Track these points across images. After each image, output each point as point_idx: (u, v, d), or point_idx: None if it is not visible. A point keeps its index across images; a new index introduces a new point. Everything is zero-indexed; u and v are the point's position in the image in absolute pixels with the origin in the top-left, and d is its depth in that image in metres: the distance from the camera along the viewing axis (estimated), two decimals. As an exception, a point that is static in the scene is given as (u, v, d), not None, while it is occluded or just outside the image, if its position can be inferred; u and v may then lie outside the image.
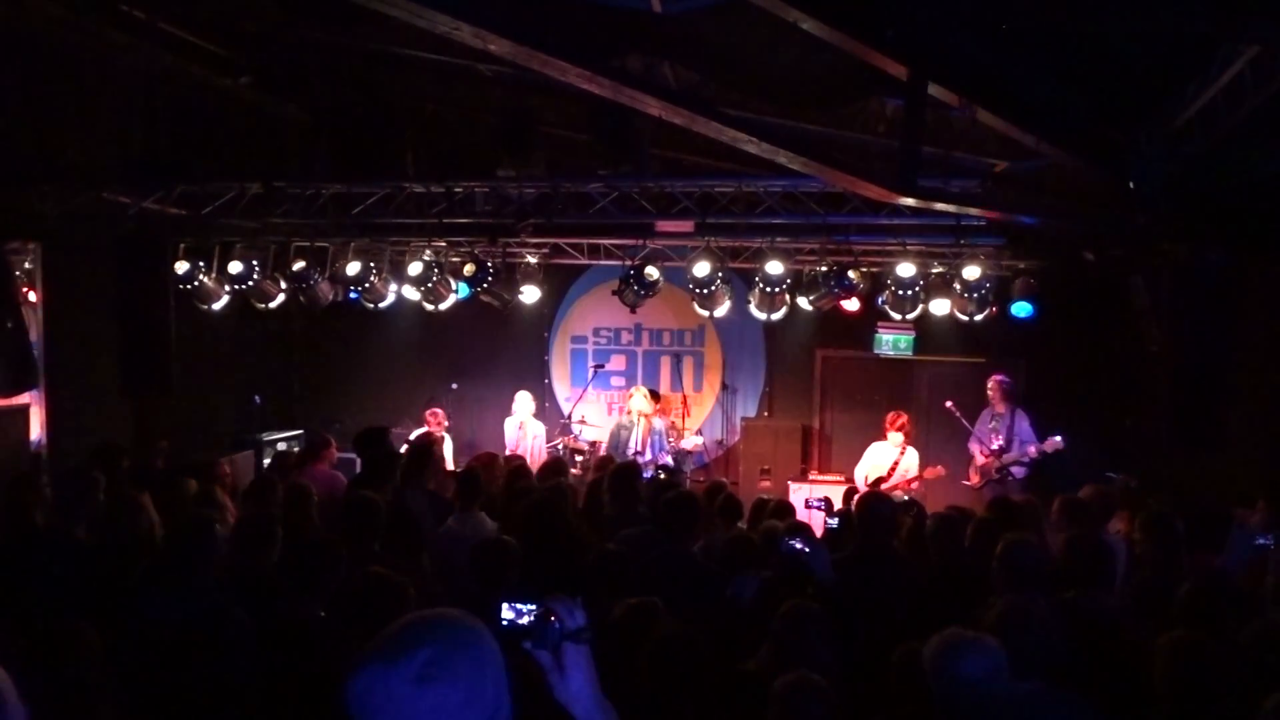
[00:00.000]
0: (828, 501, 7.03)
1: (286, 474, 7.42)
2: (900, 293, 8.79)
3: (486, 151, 8.87)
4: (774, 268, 8.72)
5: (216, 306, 9.62)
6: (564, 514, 5.70)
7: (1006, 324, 9.13)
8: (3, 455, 8.10)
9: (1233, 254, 6.63)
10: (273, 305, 9.93)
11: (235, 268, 9.33)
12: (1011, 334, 9.85)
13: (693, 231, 8.82)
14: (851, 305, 9.51)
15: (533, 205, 8.54)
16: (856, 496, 6.92)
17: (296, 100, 10.57)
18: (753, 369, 12.24)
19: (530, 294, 10.38)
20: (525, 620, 1.90)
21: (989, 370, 10.03)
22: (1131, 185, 6.05)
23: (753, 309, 9.33)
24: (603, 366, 12.05)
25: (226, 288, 9.48)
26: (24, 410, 8.46)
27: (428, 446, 7.34)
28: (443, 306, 10.04)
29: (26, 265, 8.59)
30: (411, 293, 9.90)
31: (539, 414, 11.35)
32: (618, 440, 10.12)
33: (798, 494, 10.16)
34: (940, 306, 9.10)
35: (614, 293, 9.39)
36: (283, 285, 9.67)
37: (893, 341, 10.63)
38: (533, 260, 10.48)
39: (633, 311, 9.79)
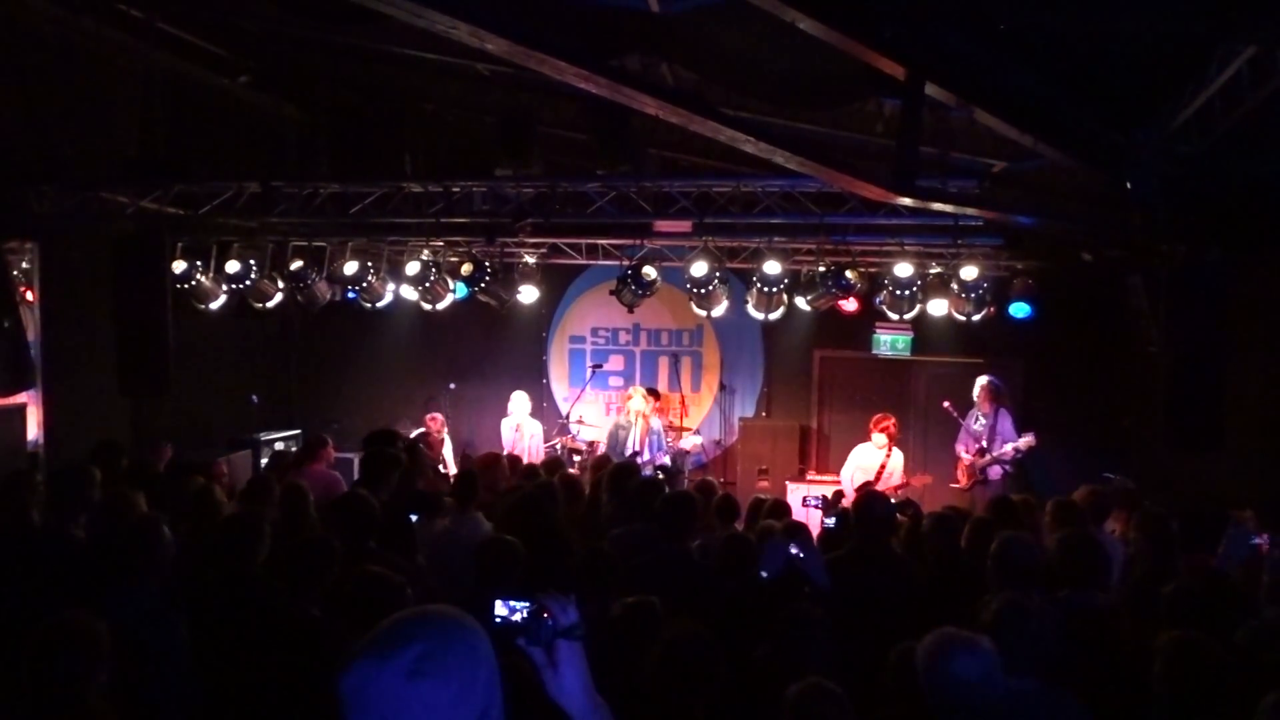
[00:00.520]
0: (825, 500, 7.04)
1: (284, 474, 7.42)
2: (898, 293, 8.79)
3: (484, 151, 8.88)
4: (772, 268, 8.72)
5: (214, 306, 9.61)
6: (548, 512, 5.69)
7: (1004, 324, 9.14)
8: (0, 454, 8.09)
9: (1230, 255, 6.64)
10: (270, 305, 9.93)
11: (233, 267, 9.32)
12: (1009, 334, 9.86)
13: (690, 231, 8.82)
14: (849, 305, 9.52)
15: (530, 205, 8.54)
16: (854, 496, 6.91)
17: (294, 100, 10.58)
18: (751, 369, 12.25)
19: (528, 294, 10.38)
20: (518, 617, 1.90)
21: (987, 370, 10.04)
22: (1129, 186, 6.06)
23: (750, 309, 9.33)
24: (601, 366, 12.06)
25: (224, 287, 9.48)
26: (21, 409, 8.45)
27: (413, 446, 7.36)
28: (440, 306, 10.04)
29: (24, 264, 8.58)
30: (409, 292, 9.91)
31: (537, 414, 11.35)
32: (615, 440, 10.12)
33: (795, 494, 10.16)
34: (938, 307, 9.11)
35: (612, 292, 9.39)
36: (280, 285, 9.67)
37: (891, 342, 10.64)
38: (531, 260, 10.48)
39: (631, 311, 9.79)
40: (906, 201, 6.08)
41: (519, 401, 10.95)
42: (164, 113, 8.64)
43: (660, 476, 7.87)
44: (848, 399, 11.91)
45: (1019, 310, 8.96)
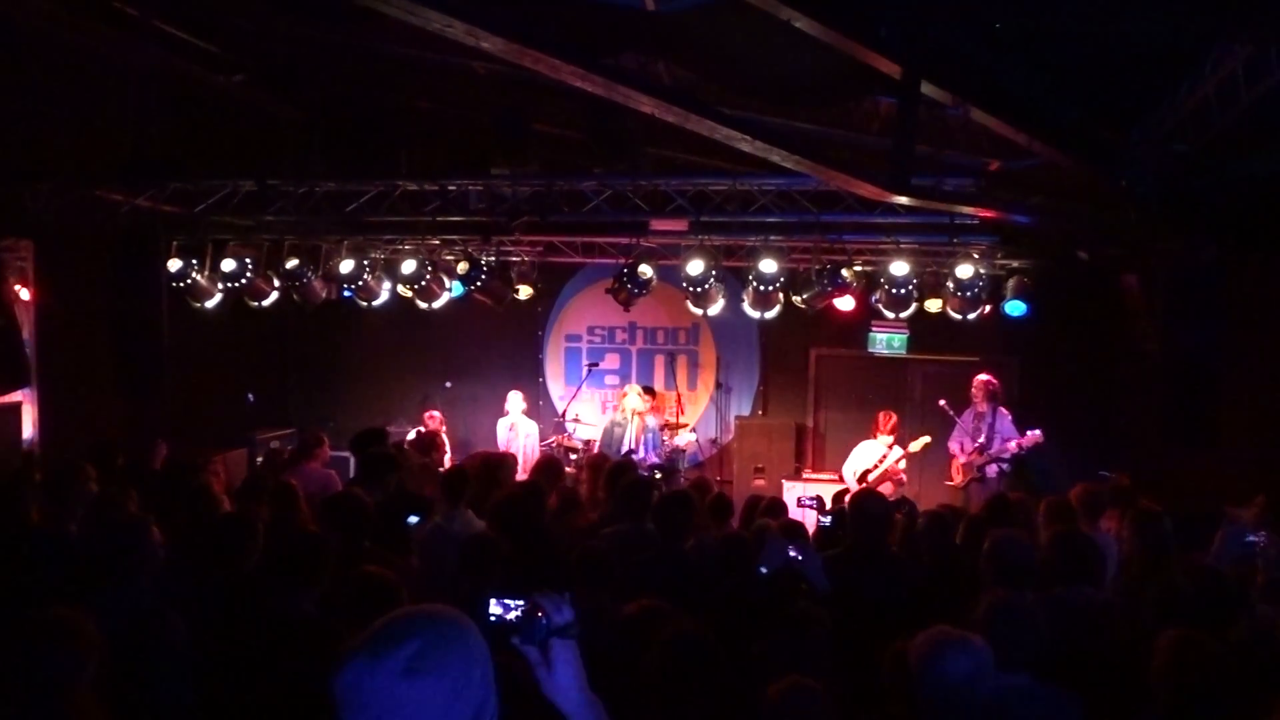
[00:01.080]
0: (820, 500, 7.04)
1: (279, 473, 7.42)
2: (894, 291, 8.79)
3: (480, 149, 8.86)
4: (768, 266, 8.72)
5: (209, 304, 9.59)
6: (534, 511, 5.69)
7: (1000, 323, 9.15)
8: (-5, 453, 8.09)
9: (1225, 253, 6.65)
10: (266, 303, 9.91)
11: (228, 265, 9.31)
12: (1005, 333, 9.87)
13: (687, 230, 8.82)
14: (845, 304, 9.53)
15: (526, 203, 8.53)
16: (850, 495, 6.92)
17: (290, 98, 10.55)
18: (747, 367, 12.25)
19: (524, 292, 10.38)
20: (513, 616, 1.90)
21: (983, 369, 10.05)
22: (1125, 184, 6.07)
23: (746, 307, 9.33)
24: (597, 365, 12.05)
25: (219, 285, 9.46)
26: (16, 408, 8.45)
27: (400, 447, 7.39)
28: (436, 305, 10.04)
29: (19, 263, 8.57)
30: (405, 291, 9.90)
31: (533, 413, 11.35)
32: (611, 438, 10.13)
33: (792, 492, 10.18)
34: (934, 305, 9.11)
35: (608, 291, 9.39)
36: (276, 283, 9.66)
37: (887, 340, 10.65)
38: (527, 258, 10.48)
39: (627, 310, 9.79)
40: (902, 200, 6.09)
41: (514, 401, 10.95)
42: (159, 111, 8.62)
43: (657, 475, 7.89)
44: (844, 397, 11.93)
45: (1015, 309, 8.97)
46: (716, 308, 9.40)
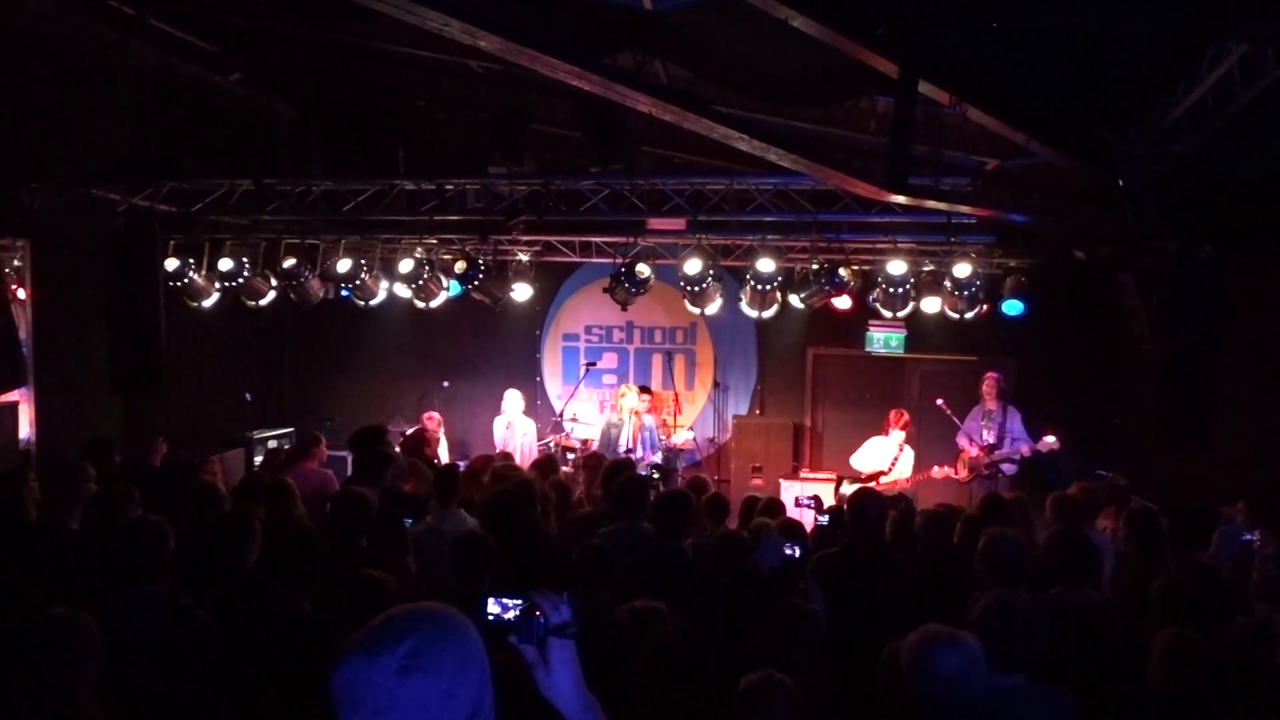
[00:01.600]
0: (818, 500, 7.06)
1: (277, 472, 7.41)
2: (891, 290, 8.80)
3: (478, 148, 8.86)
4: (765, 265, 8.72)
5: (207, 304, 9.59)
6: (525, 510, 5.69)
7: (997, 322, 9.16)
8: (-8, 453, 8.08)
9: (1222, 252, 6.66)
10: (263, 303, 9.92)
11: (225, 265, 9.31)
12: (1002, 332, 9.87)
13: (684, 229, 8.82)
14: (843, 303, 9.54)
15: (524, 202, 8.53)
16: (849, 494, 6.92)
17: (287, 97, 10.55)
18: (744, 367, 12.25)
19: (522, 291, 10.38)
20: (510, 615, 1.90)
21: (980, 368, 10.06)
22: (1121, 184, 6.08)
23: (744, 307, 9.33)
24: (594, 364, 12.04)
25: (217, 285, 9.46)
26: (13, 408, 8.43)
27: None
28: (434, 304, 10.04)
29: (15, 262, 8.56)
30: (403, 290, 9.90)
31: (531, 412, 11.34)
32: (608, 438, 10.13)
33: (789, 492, 10.17)
34: (931, 304, 9.12)
35: (605, 290, 9.38)
36: (273, 282, 9.66)
37: (884, 339, 10.65)
38: (524, 258, 10.48)
39: (624, 309, 9.78)
40: (899, 199, 6.09)
41: (512, 400, 10.95)
42: (156, 110, 8.61)
43: (655, 475, 7.88)
44: (841, 397, 11.93)
45: (1012, 308, 8.99)
46: (714, 307, 9.40)
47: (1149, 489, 7.81)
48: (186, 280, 9.28)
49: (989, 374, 9.80)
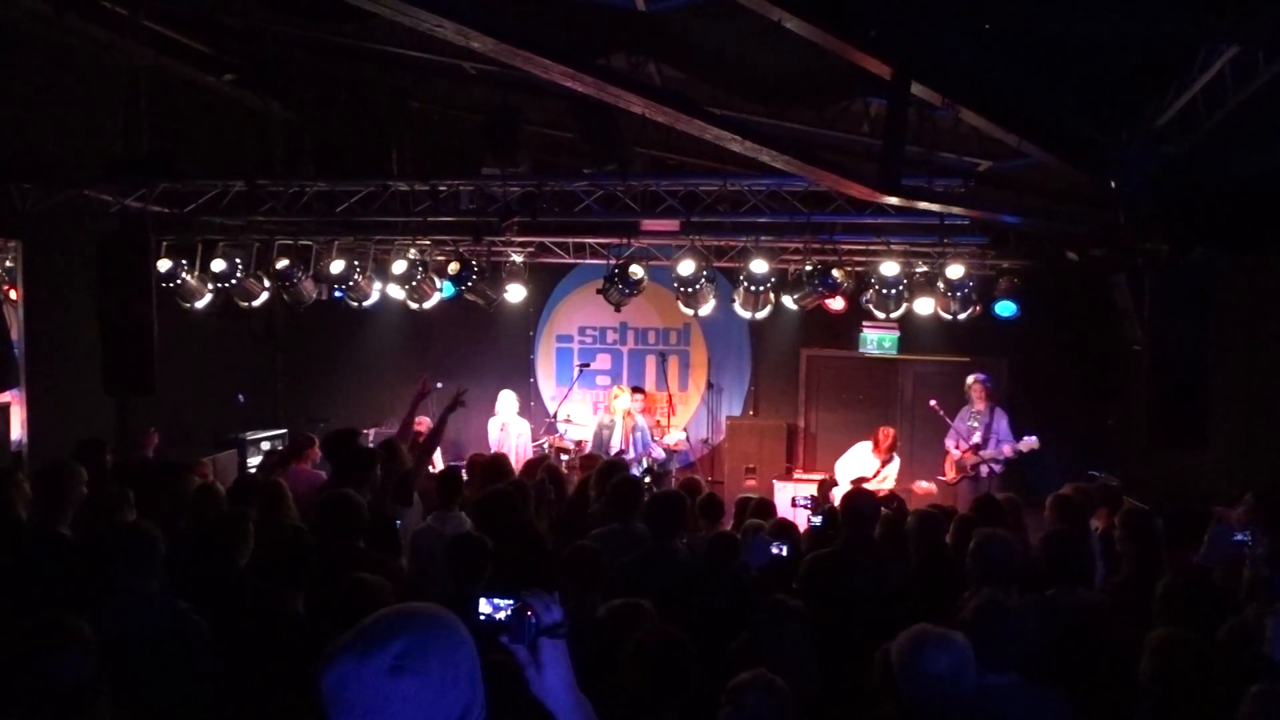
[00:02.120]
0: (814, 500, 7.07)
1: (270, 474, 7.38)
2: (884, 292, 8.82)
3: (471, 150, 8.85)
4: (759, 266, 8.73)
5: (199, 305, 9.57)
6: (519, 510, 5.68)
7: (990, 323, 9.18)
8: (-16, 454, 8.05)
9: (1213, 254, 6.68)
10: (256, 304, 9.89)
11: (218, 266, 9.29)
12: (995, 333, 9.90)
13: (678, 230, 8.83)
14: (836, 304, 9.55)
15: (517, 204, 8.53)
16: (842, 494, 6.93)
17: (280, 98, 10.54)
18: (738, 368, 12.27)
19: (515, 293, 10.38)
20: (502, 615, 1.90)
21: (973, 369, 10.08)
22: (1113, 185, 6.09)
23: (737, 308, 9.34)
24: (588, 365, 12.05)
25: (209, 286, 9.44)
26: (4, 409, 8.40)
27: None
28: (427, 305, 10.02)
29: (8, 263, 8.54)
30: (396, 291, 9.88)
31: (524, 413, 11.33)
32: (601, 439, 10.13)
33: (783, 493, 10.20)
34: (924, 305, 9.14)
35: (599, 291, 9.39)
36: (266, 284, 9.64)
37: (877, 340, 10.67)
38: (518, 259, 10.47)
39: (618, 310, 9.79)
40: (893, 200, 6.11)
41: (506, 401, 10.94)
42: (149, 111, 8.59)
43: (647, 480, 7.90)
44: (835, 398, 11.95)
45: (1004, 309, 9.00)
46: (707, 308, 9.41)
47: (1140, 489, 7.83)
48: (179, 281, 9.25)
49: (974, 376, 9.83)
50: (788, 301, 9.15)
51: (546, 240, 10.14)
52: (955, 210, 7.15)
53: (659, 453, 9.97)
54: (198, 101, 9.85)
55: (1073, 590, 4.50)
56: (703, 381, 12.23)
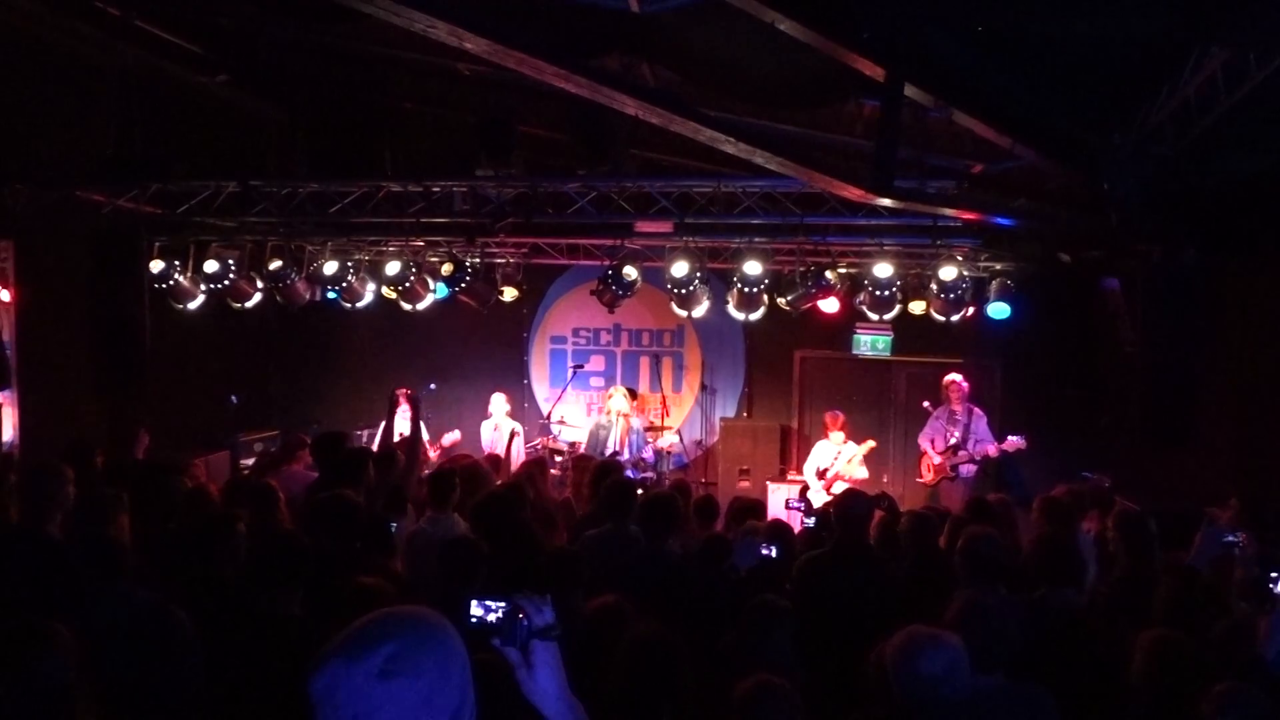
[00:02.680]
0: (808, 502, 7.08)
1: (263, 475, 7.36)
2: (878, 293, 8.81)
3: (464, 151, 8.84)
4: (752, 268, 8.73)
5: (192, 306, 9.53)
6: (515, 512, 5.68)
7: (983, 325, 9.20)
8: (-25, 455, 8.02)
9: (1205, 255, 6.70)
10: (249, 305, 9.86)
11: (211, 267, 9.26)
12: (988, 334, 9.92)
13: (671, 232, 8.82)
14: (829, 306, 9.55)
15: (511, 205, 8.52)
16: (835, 496, 6.94)
17: (273, 99, 10.52)
18: (732, 369, 12.27)
19: (509, 294, 10.36)
20: (493, 617, 1.89)
21: (966, 371, 10.10)
22: (1106, 187, 6.11)
23: (731, 309, 9.33)
24: (582, 367, 12.03)
25: (202, 287, 9.41)
26: (-4, 409, 8.38)
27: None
28: (421, 306, 10.01)
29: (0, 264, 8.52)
30: (389, 293, 9.86)
31: (518, 415, 11.32)
32: (596, 440, 10.12)
33: (776, 494, 10.21)
34: (917, 307, 9.15)
35: (593, 293, 9.38)
36: (259, 284, 9.61)
37: (871, 342, 10.67)
38: (511, 260, 10.46)
39: (611, 312, 9.79)
40: (886, 202, 6.12)
41: (498, 403, 10.93)
42: (141, 111, 8.58)
43: (640, 479, 7.90)
44: (828, 399, 11.91)
45: (997, 311, 9.02)
46: (701, 310, 9.40)
47: (1132, 490, 7.84)
48: (171, 282, 9.22)
49: (950, 376, 9.84)
50: (781, 303, 9.13)
51: (540, 241, 10.14)
52: (948, 212, 7.17)
53: (649, 453, 9.97)
54: (190, 102, 9.83)
55: (1062, 592, 4.50)
56: (696, 383, 12.24)
